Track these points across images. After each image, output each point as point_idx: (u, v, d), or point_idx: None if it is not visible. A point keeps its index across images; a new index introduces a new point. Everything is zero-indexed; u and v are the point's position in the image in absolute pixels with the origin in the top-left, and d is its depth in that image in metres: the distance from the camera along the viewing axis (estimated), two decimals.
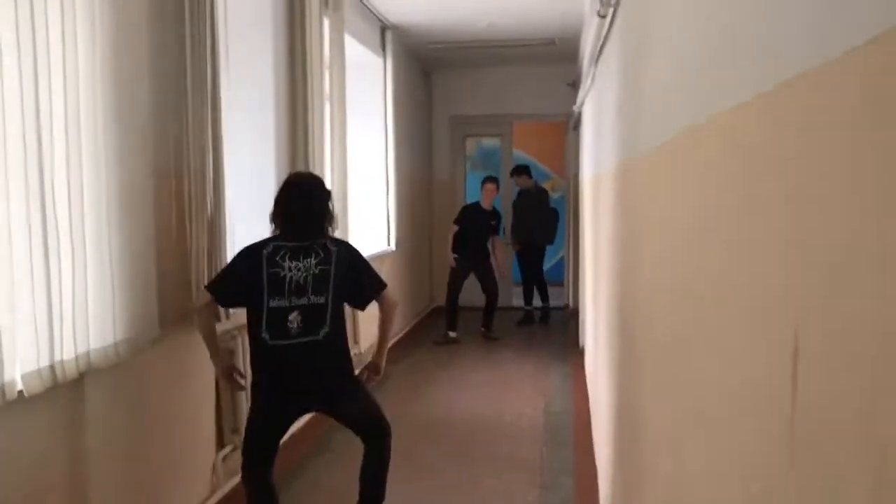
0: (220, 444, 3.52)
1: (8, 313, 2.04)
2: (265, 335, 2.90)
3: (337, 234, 3.40)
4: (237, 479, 3.58)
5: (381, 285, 3.18)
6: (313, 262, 2.98)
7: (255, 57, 4.13)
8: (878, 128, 0.58)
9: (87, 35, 2.36)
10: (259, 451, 3.00)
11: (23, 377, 2.11)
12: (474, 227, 7.74)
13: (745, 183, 0.95)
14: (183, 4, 2.98)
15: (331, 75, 5.00)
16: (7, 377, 2.03)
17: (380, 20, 6.74)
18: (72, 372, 2.32)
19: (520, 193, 8.72)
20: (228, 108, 3.30)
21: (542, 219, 8.56)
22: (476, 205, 7.90)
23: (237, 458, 3.60)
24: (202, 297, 2.97)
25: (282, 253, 2.97)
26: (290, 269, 2.94)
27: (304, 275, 2.95)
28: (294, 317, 2.90)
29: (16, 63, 2.06)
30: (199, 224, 3.09)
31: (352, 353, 3.23)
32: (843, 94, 0.65)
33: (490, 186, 7.84)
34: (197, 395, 3.29)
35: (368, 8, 6.28)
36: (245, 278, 2.95)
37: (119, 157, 2.52)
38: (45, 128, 2.17)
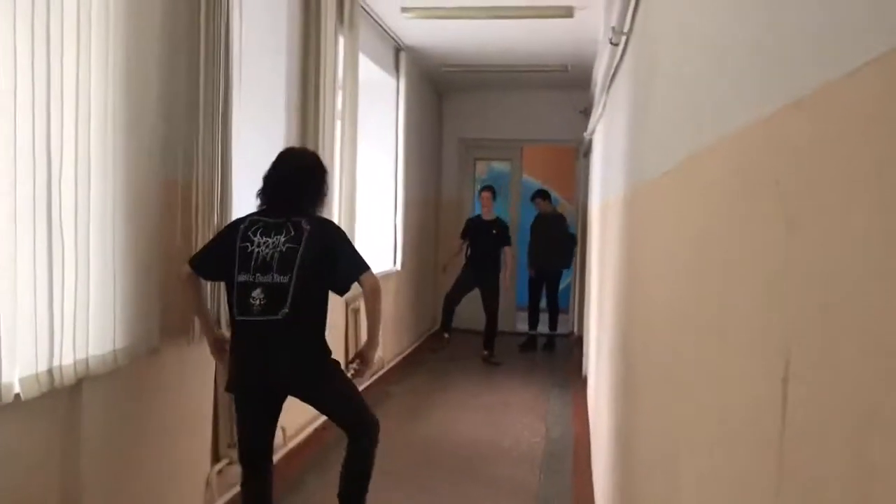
0: (216, 457, 3.51)
1: (9, 316, 2.05)
2: (235, 310, 2.86)
3: None
4: (231, 493, 3.56)
5: (360, 268, 2.95)
6: (283, 239, 2.86)
7: (269, 71, 4.17)
8: (876, 154, 0.58)
9: (101, 42, 2.39)
10: (250, 456, 2.97)
11: (20, 380, 2.11)
12: (479, 238, 7.80)
13: (742, 210, 0.95)
14: (197, 18, 3.01)
15: (343, 93, 5.04)
16: (4, 380, 2.03)
17: (394, 41, 6.79)
18: (70, 377, 2.32)
19: (537, 217, 8.74)
20: (239, 121, 3.32)
21: (558, 244, 8.57)
22: (478, 217, 7.96)
23: (232, 472, 3.59)
24: (184, 269, 2.95)
25: (254, 228, 2.90)
26: (258, 245, 2.85)
27: (272, 252, 2.84)
28: (257, 294, 2.81)
29: (29, 72, 2.08)
30: (205, 235, 3.10)
31: (327, 341, 3.04)
32: (839, 119, 0.65)
33: (485, 195, 7.89)
34: (194, 408, 3.28)
35: (384, 28, 6.33)
36: (221, 251, 2.90)
37: (127, 165, 2.54)
38: (54, 135, 2.19)
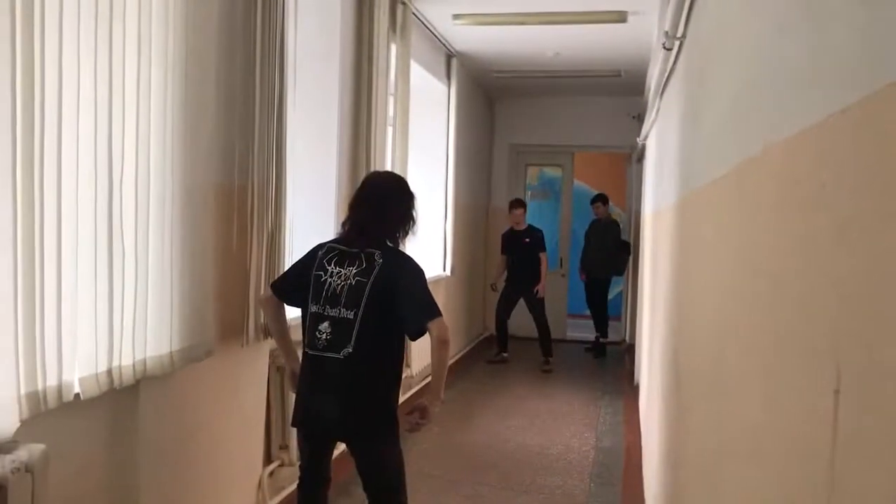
0: (268, 459, 3.56)
1: (70, 318, 2.12)
2: (305, 341, 2.78)
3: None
4: (282, 496, 3.61)
5: (428, 314, 2.65)
6: (353, 270, 2.69)
7: (322, 77, 4.23)
8: None
9: (160, 48, 2.46)
10: (307, 474, 2.92)
11: (80, 380, 2.18)
12: (514, 250, 7.86)
13: (790, 218, 0.94)
14: (254, 27, 3.07)
15: (395, 100, 5.08)
16: (65, 378, 2.10)
17: (446, 48, 6.83)
18: (128, 378, 2.38)
19: (592, 223, 8.73)
20: (293, 127, 3.37)
21: (611, 251, 8.53)
22: (510, 230, 7.96)
23: (283, 474, 3.64)
24: (266, 291, 2.94)
25: (330, 256, 2.77)
26: (331, 275, 2.71)
27: (342, 284, 2.68)
28: (324, 327, 2.68)
29: (91, 78, 2.15)
30: (260, 240, 3.16)
31: (392, 386, 2.79)
32: (887, 126, 0.64)
33: (516, 212, 7.82)
34: (247, 410, 3.33)
35: (436, 36, 6.37)
36: (298, 277, 2.82)
37: (184, 170, 2.60)
38: (115, 140, 2.26)
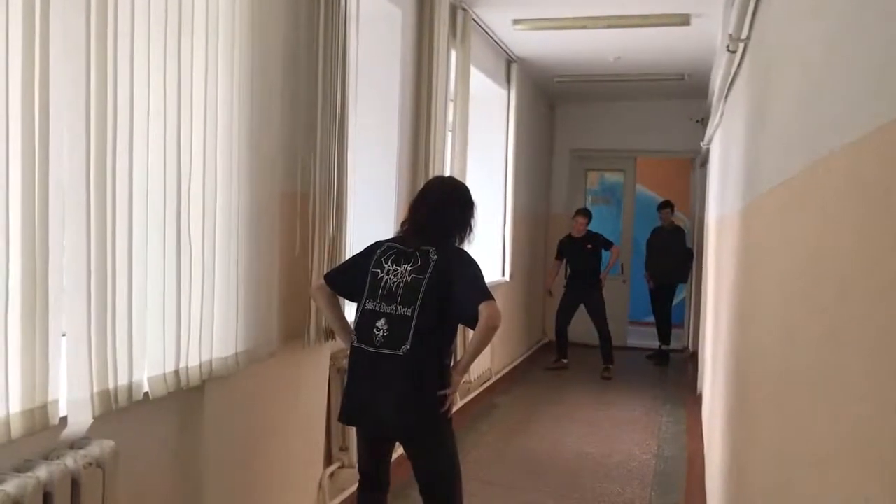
0: (329, 461, 3.61)
1: (140, 319, 2.20)
2: (354, 335, 2.80)
3: None
4: (342, 497, 3.66)
5: (480, 297, 2.65)
6: (409, 268, 2.74)
7: (383, 84, 4.28)
8: None
9: (227, 56, 2.53)
10: (365, 474, 2.95)
11: (149, 380, 2.26)
12: (573, 256, 7.83)
13: (857, 222, 0.91)
14: (317, 37, 3.13)
15: (455, 106, 5.11)
16: (135, 378, 2.17)
17: (506, 53, 6.82)
18: (195, 378, 2.45)
19: (655, 230, 8.63)
20: (354, 135, 3.42)
21: (675, 257, 8.42)
22: (568, 236, 7.91)
23: (343, 476, 3.68)
24: (318, 280, 2.99)
25: (388, 254, 2.83)
26: (388, 273, 2.76)
27: (398, 281, 2.73)
28: (381, 324, 2.71)
29: (161, 87, 2.23)
30: (321, 245, 3.21)
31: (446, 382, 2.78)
32: None
33: (581, 220, 7.76)
34: (308, 411, 3.38)
35: (496, 41, 6.38)
36: (354, 272, 2.87)
37: (250, 177, 2.67)
38: (184, 152, 2.34)
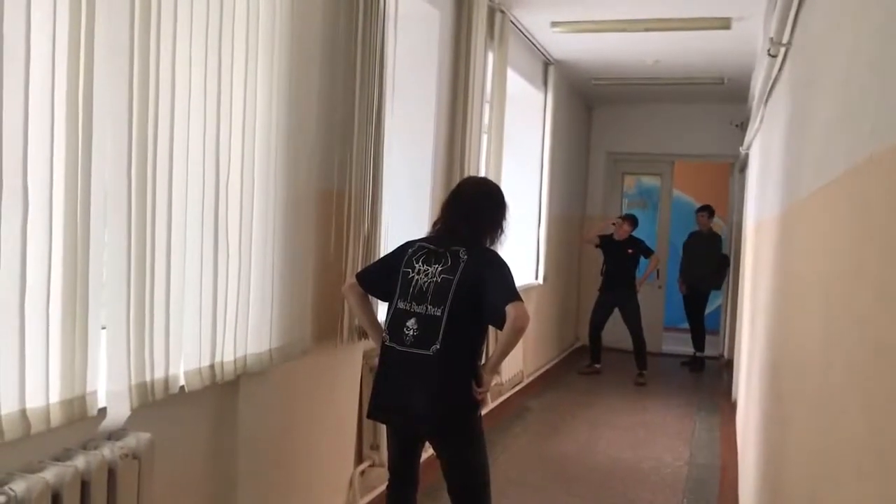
0: (360, 459, 3.63)
1: (177, 314, 2.24)
2: (385, 333, 2.81)
3: None
4: (373, 495, 3.68)
5: (508, 297, 2.63)
6: (439, 268, 2.75)
7: (420, 84, 4.29)
8: None
9: (267, 55, 2.56)
10: (395, 472, 2.96)
11: (185, 374, 2.30)
12: (611, 257, 7.76)
13: None
14: (355, 38, 3.15)
15: (491, 107, 5.10)
16: (172, 372, 2.21)
17: (543, 55, 6.80)
18: (230, 373, 2.49)
19: (691, 235, 8.52)
20: (390, 134, 3.44)
21: (710, 263, 8.31)
22: (610, 236, 7.83)
23: (374, 474, 3.70)
24: (351, 279, 2.98)
25: (419, 254, 2.83)
26: (418, 273, 2.77)
27: (429, 281, 2.74)
28: (412, 324, 2.72)
29: (202, 87, 2.26)
30: (356, 244, 3.23)
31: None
32: None
33: (625, 227, 7.70)
34: (340, 409, 3.41)
35: (533, 43, 6.36)
36: (385, 271, 2.88)
37: (287, 175, 2.70)
38: (223, 149, 2.37)
